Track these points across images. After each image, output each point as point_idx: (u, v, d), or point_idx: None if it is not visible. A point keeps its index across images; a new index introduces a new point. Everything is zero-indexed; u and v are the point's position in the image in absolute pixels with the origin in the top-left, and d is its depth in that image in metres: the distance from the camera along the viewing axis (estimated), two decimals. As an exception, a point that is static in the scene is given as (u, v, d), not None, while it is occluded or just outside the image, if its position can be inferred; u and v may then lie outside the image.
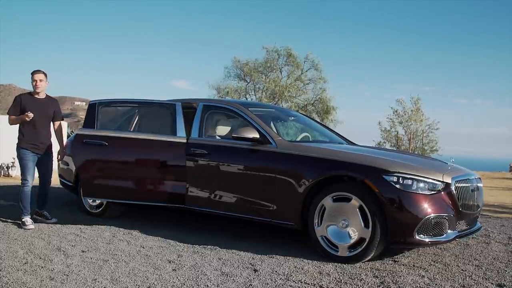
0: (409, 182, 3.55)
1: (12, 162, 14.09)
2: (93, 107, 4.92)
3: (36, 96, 4.87)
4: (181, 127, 4.71)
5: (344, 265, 3.56)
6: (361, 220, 3.59)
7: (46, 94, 4.99)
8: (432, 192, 3.58)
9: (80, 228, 4.77)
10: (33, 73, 4.83)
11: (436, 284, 3.15)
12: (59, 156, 5.06)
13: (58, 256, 3.71)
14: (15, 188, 8.50)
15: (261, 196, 4.14)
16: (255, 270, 3.42)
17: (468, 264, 3.69)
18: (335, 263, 3.61)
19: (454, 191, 3.66)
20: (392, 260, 3.74)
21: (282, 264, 3.58)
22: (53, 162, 5.11)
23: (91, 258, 3.67)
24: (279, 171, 4.05)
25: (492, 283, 3.20)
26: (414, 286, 3.10)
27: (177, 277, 3.23)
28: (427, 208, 3.50)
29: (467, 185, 3.86)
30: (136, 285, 3.07)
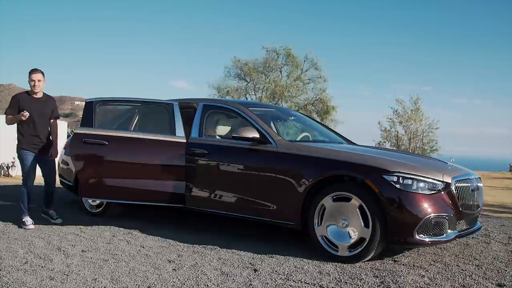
0: (409, 182, 3.54)
1: (12, 162, 14.10)
2: (90, 106, 4.87)
3: (34, 95, 4.85)
4: (179, 126, 4.71)
5: (344, 265, 3.56)
6: (361, 220, 3.59)
7: (44, 93, 4.97)
8: (432, 192, 3.58)
9: (80, 228, 4.77)
10: (31, 73, 4.79)
11: (436, 284, 3.14)
12: (52, 155, 4.96)
13: (58, 256, 3.71)
14: (15, 188, 8.50)
15: (261, 196, 4.14)
16: (255, 270, 3.42)
17: (468, 263, 3.69)
18: (335, 263, 3.61)
19: (454, 191, 3.66)
20: (392, 260, 3.74)
21: (282, 264, 3.58)
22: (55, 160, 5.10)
23: (91, 258, 3.67)
24: (279, 171, 4.05)
25: (492, 283, 3.20)
26: (414, 286, 3.10)
27: (177, 277, 3.23)
28: (427, 208, 3.50)
29: (467, 185, 3.86)
30: (136, 284, 3.07)
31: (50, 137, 4.97)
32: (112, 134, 4.73)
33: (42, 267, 3.40)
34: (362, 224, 3.58)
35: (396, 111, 28.54)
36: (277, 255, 3.81)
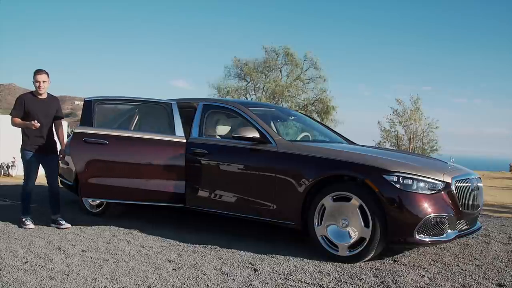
0: (409, 181, 3.54)
1: (12, 162, 14.09)
2: (89, 105, 4.84)
3: (39, 96, 4.83)
4: (179, 126, 4.70)
5: (344, 265, 3.56)
6: (361, 219, 3.59)
7: (48, 93, 4.95)
8: (432, 192, 3.58)
9: (80, 228, 4.77)
10: (35, 74, 4.75)
11: (436, 284, 3.14)
12: (61, 156, 5.02)
13: (58, 256, 3.71)
14: (15, 187, 8.50)
15: (261, 196, 4.14)
16: (255, 270, 3.42)
17: (468, 263, 3.69)
18: (335, 263, 3.61)
19: (454, 191, 3.66)
20: (392, 260, 3.74)
21: (282, 264, 3.58)
22: (59, 161, 5.08)
23: (91, 258, 3.67)
24: (279, 170, 4.05)
25: (492, 283, 3.20)
26: (414, 286, 3.10)
27: (177, 277, 3.23)
28: (427, 208, 3.50)
29: (467, 184, 3.86)
30: (136, 284, 3.07)
31: (55, 138, 4.95)
32: (113, 134, 4.70)
33: (42, 266, 3.40)
34: (362, 224, 3.58)
35: (395, 111, 28.56)
36: (277, 255, 3.81)
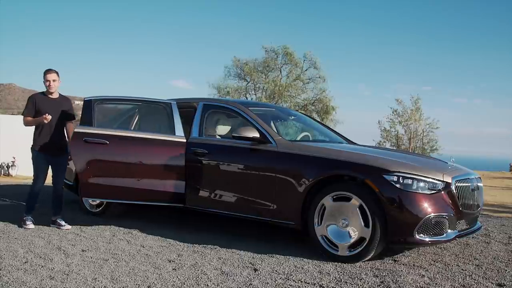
0: (410, 181, 3.54)
1: (12, 162, 14.09)
2: (89, 104, 4.83)
3: (50, 96, 4.83)
4: (179, 126, 4.70)
5: (344, 265, 3.56)
6: (361, 219, 3.59)
7: (59, 94, 4.94)
8: (432, 192, 3.58)
9: (80, 228, 4.77)
10: (45, 73, 4.76)
11: (436, 284, 3.14)
12: (70, 157, 5.00)
13: (58, 256, 3.71)
14: (15, 187, 8.50)
15: (261, 196, 4.14)
16: (255, 270, 3.42)
17: (468, 263, 3.69)
18: (335, 263, 3.61)
19: (454, 191, 3.66)
20: (392, 260, 3.74)
21: (282, 264, 3.58)
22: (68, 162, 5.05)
23: (91, 258, 3.67)
24: (279, 170, 4.05)
25: (492, 283, 3.20)
26: (414, 286, 3.10)
27: (177, 277, 3.23)
28: (427, 208, 3.50)
29: (467, 184, 3.86)
30: (136, 284, 3.07)
31: (66, 139, 4.93)
32: (113, 134, 4.69)
33: (42, 266, 3.40)
34: (362, 224, 3.58)
35: (395, 111, 28.56)
36: (277, 255, 3.81)
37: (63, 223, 4.80)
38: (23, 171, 13.80)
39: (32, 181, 4.85)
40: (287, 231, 4.51)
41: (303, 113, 6.32)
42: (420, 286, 3.10)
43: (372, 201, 3.56)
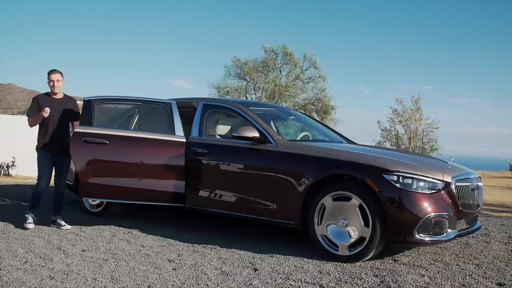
0: (409, 181, 3.54)
1: (12, 162, 14.09)
2: (89, 104, 4.82)
3: (54, 96, 4.83)
4: (179, 126, 4.70)
5: (344, 264, 3.56)
6: (361, 219, 3.59)
7: (64, 94, 4.93)
8: (432, 191, 3.58)
9: (80, 228, 4.77)
10: (49, 73, 4.77)
11: (436, 283, 3.14)
12: None
13: (58, 255, 3.71)
14: (15, 187, 8.50)
15: (261, 195, 4.14)
16: (255, 269, 3.42)
17: (468, 263, 3.69)
18: (335, 262, 3.61)
19: (454, 190, 3.66)
20: (392, 259, 3.74)
21: (282, 263, 3.58)
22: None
23: (91, 257, 3.67)
24: (279, 170, 4.05)
25: (492, 282, 3.20)
26: (414, 285, 3.10)
27: (177, 276, 3.23)
28: (427, 207, 3.50)
29: (467, 184, 3.86)
30: (136, 284, 3.07)
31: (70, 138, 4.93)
32: (113, 133, 4.69)
33: (42, 266, 3.40)
34: (362, 224, 3.58)
35: (395, 110, 28.56)
36: (277, 255, 3.81)
37: (63, 223, 4.80)
38: (23, 171, 13.81)
39: (36, 181, 4.85)
40: (287, 230, 4.51)
41: (303, 113, 6.32)
42: (420, 285, 3.10)
43: (372, 201, 3.56)
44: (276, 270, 3.40)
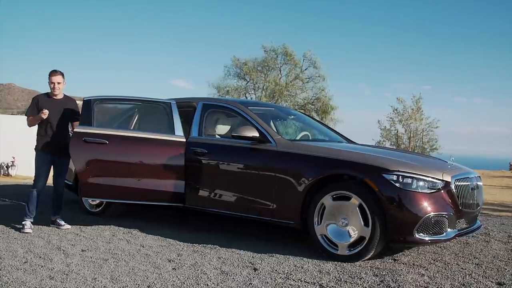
0: (409, 180, 3.54)
1: (12, 162, 14.09)
2: (88, 104, 4.82)
3: (54, 97, 4.81)
4: (178, 126, 4.70)
5: (344, 264, 3.57)
6: (361, 218, 3.59)
7: (64, 94, 4.92)
8: (432, 191, 3.58)
9: (80, 227, 4.77)
10: (50, 75, 4.75)
11: (436, 283, 3.15)
12: None
13: (58, 255, 3.71)
14: (15, 187, 8.50)
15: (261, 195, 4.14)
16: (255, 269, 3.42)
17: (468, 262, 3.69)
18: (335, 262, 3.61)
19: (454, 190, 3.66)
20: (392, 259, 3.74)
21: (282, 263, 3.58)
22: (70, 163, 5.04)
23: (91, 257, 3.67)
24: (279, 170, 4.05)
25: (492, 282, 3.20)
26: (414, 285, 3.10)
27: (177, 276, 3.23)
28: (427, 207, 3.50)
29: (467, 183, 3.86)
30: (136, 284, 3.07)
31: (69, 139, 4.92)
32: (112, 133, 4.69)
33: (42, 266, 3.40)
34: (362, 223, 3.58)
35: (396, 109, 28.53)
36: (277, 254, 3.81)
37: (62, 223, 4.80)
38: (23, 171, 13.81)
39: (32, 184, 4.83)
40: (287, 230, 4.51)
41: (302, 113, 6.31)
42: (420, 285, 3.10)
43: (371, 200, 3.56)
44: (276, 270, 3.40)
